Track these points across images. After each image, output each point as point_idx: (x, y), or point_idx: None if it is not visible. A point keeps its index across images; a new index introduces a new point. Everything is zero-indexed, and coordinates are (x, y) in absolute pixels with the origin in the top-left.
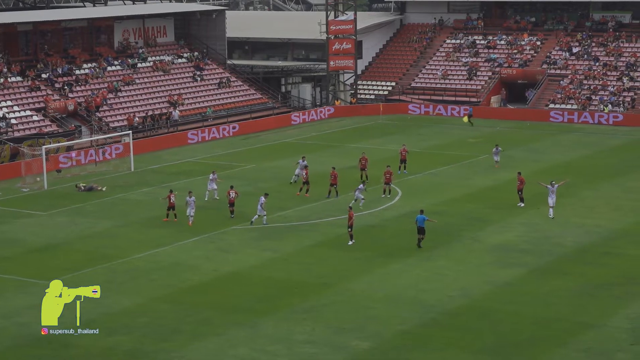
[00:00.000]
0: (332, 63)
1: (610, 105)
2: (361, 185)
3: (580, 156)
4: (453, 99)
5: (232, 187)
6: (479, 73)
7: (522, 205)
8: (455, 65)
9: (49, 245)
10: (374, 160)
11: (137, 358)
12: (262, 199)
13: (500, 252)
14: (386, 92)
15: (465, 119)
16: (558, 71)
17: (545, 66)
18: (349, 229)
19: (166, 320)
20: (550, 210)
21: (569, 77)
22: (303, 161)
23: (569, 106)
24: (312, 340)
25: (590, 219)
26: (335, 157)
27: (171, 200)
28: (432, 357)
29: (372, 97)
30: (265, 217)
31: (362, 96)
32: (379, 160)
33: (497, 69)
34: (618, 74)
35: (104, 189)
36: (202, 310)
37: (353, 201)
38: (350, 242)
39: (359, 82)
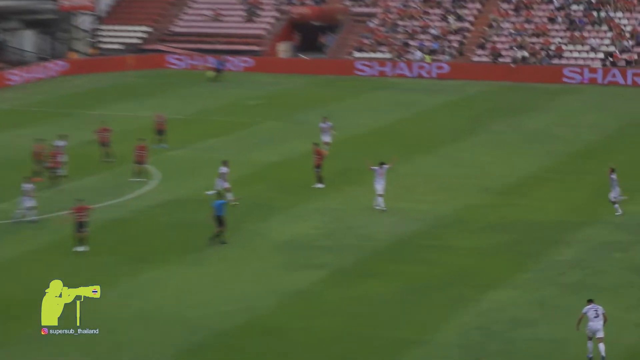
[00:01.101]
0: (64, 2)
1: (422, 54)
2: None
3: (396, 120)
4: (228, 47)
5: None
6: (261, 13)
7: (321, 186)
8: (231, 4)
9: None
10: (121, 131)
11: None
12: (26, 185)
13: (291, 250)
14: (138, 41)
15: (210, 73)
16: (365, 9)
17: (348, 3)
18: (82, 230)
19: None
20: (380, 199)
21: (380, 17)
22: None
23: (379, 55)
24: None
25: (408, 202)
26: (69, 129)
27: None
28: None
29: (120, 47)
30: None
31: (106, 46)
32: (128, 132)
33: (286, 8)
34: (442, 11)
35: None
36: None
37: (213, 191)
38: (80, 248)
39: (101, 28)
